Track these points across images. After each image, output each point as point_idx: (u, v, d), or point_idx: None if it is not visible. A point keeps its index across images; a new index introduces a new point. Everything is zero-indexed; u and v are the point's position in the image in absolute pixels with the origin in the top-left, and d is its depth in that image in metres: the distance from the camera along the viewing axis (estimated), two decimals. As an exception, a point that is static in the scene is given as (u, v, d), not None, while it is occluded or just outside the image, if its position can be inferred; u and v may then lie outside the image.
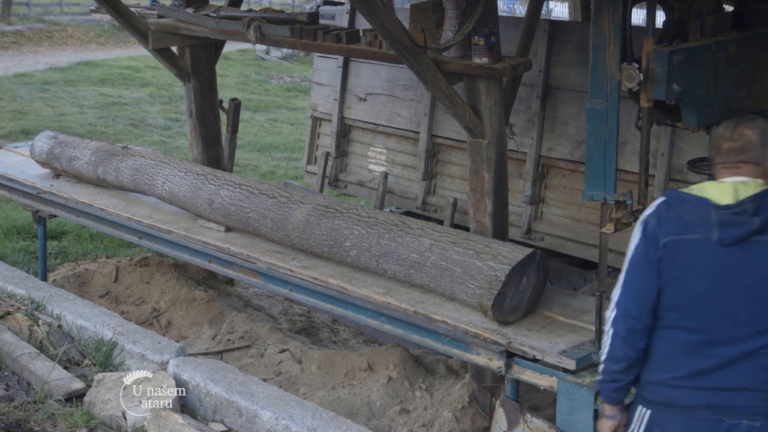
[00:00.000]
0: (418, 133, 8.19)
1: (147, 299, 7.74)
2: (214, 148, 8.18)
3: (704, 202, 3.54)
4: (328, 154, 8.81)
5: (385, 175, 8.12)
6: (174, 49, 7.90)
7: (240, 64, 23.04)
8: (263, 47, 23.10)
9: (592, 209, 6.85)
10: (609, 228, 4.49)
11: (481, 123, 5.79)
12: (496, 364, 4.98)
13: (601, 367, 3.73)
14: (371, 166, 8.69)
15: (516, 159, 7.33)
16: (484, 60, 5.68)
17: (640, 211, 4.56)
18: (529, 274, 5.23)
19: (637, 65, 4.14)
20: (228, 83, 19.16)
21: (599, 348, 4.74)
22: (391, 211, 8.36)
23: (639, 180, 4.59)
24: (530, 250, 5.30)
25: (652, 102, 4.25)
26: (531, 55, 6.59)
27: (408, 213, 8.15)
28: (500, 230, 5.99)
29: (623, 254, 6.74)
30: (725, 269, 3.50)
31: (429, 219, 7.60)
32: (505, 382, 4.98)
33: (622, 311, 3.63)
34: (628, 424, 3.76)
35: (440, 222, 7.56)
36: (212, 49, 8.03)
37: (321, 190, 8.76)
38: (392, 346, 6.60)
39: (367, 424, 5.76)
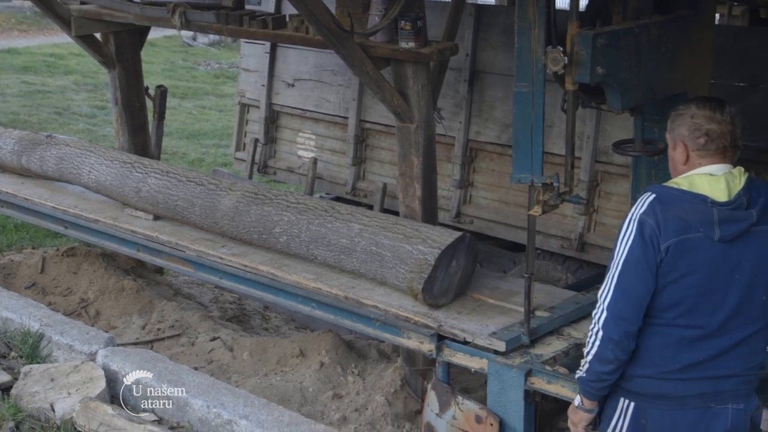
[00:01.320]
0: (346, 118, 8.19)
1: (75, 290, 7.64)
2: (141, 136, 8.09)
3: (701, 200, 3.46)
4: (256, 140, 8.77)
5: (315, 160, 8.11)
6: (98, 35, 7.79)
7: (166, 51, 22.74)
8: (190, 33, 22.83)
9: (520, 192, 6.90)
10: (536, 210, 4.51)
11: (409, 108, 5.80)
12: (427, 347, 5.00)
13: (585, 366, 3.64)
14: (300, 152, 8.67)
15: (444, 143, 7.36)
16: (411, 44, 5.69)
17: (567, 194, 4.62)
18: (459, 258, 5.26)
19: (561, 49, 4.18)
20: (154, 70, 18.91)
21: (528, 329, 4.82)
22: (321, 196, 8.36)
23: (565, 162, 4.63)
24: (459, 233, 5.33)
25: (577, 85, 4.28)
26: (457, 40, 6.63)
27: (338, 198, 8.15)
28: (429, 214, 6.02)
29: (551, 236, 6.89)
30: (723, 265, 3.46)
31: (359, 204, 7.60)
32: (437, 365, 5.00)
33: (616, 314, 3.50)
34: (609, 417, 3.71)
35: (370, 207, 7.57)
36: (137, 35, 7.93)
37: (250, 177, 8.72)
38: (324, 331, 6.60)
39: (300, 410, 5.75)
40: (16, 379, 5.17)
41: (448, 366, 4.98)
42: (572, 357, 4.68)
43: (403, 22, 5.66)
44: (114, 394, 5.17)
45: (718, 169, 3.52)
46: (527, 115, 4.44)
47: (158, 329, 7.02)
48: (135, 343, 6.63)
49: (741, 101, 6.32)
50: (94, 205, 6.81)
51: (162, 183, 6.37)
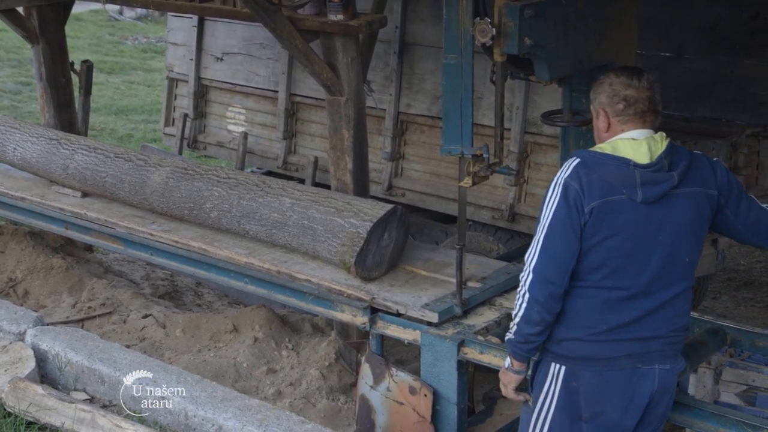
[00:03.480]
0: (276, 92, 8.14)
1: (2, 269, 7.51)
2: (67, 112, 7.96)
3: (624, 162, 3.52)
4: (186, 115, 8.69)
5: (245, 135, 8.05)
6: (20, 9, 7.64)
7: (92, 25, 22.36)
8: (116, 7, 22.48)
9: (450, 164, 6.92)
10: (467, 182, 4.53)
11: (339, 80, 5.79)
12: (361, 320, 5.02)
13: (514, 329, 3.68)
14: (230, 127, 8.60)
15: (375, 116, 7.36)
16: (340, 17, 5.66)
17: (498, 165, 4.64)
18: (391, 230, 5.27)
19: (489, 20, 4.18)
20: (81, 45, 18.61)
21: (460, 300, 4.85)
22: (251, 171, 8.31)
23: (495, 133, 4.65)
24: (391, 206, 5.34)
25: (506, 56, 4.30)
26: (387, 12, 6.62)
27: (269, 173, 8.11)
28: (361, 187, 6.01)
29: (482, 207, 6.93)
30: (646, 226, 3.52)
31: (290, 178, 7.57)
32: (370, 337, 5.02)
33: (542, 277, 3.55)
34: (541, 382, 3.76)
35: (302, 181, 7.55)
36: (61, 9, 7.78)
37: (180, 153, 8.64)
38: (257, 306, 6.58)
39: (234, 385, 5.74)
40: (-58, 361, 5.09)
41: (382, 338, 5.00)
42: (504, 327, 4.70)
43: (331, -6, 5.63)
44: (44, 374, 5.11)
45: (640, 134, 3.59)
46: (456, 86, 4.45)
47: (89, 307, 6.94)
48: (65, 322, 6.56)
49: (666, 71, 6.41)
50: (20, 183, 6.71)
51: (90, 159, 6.28)
